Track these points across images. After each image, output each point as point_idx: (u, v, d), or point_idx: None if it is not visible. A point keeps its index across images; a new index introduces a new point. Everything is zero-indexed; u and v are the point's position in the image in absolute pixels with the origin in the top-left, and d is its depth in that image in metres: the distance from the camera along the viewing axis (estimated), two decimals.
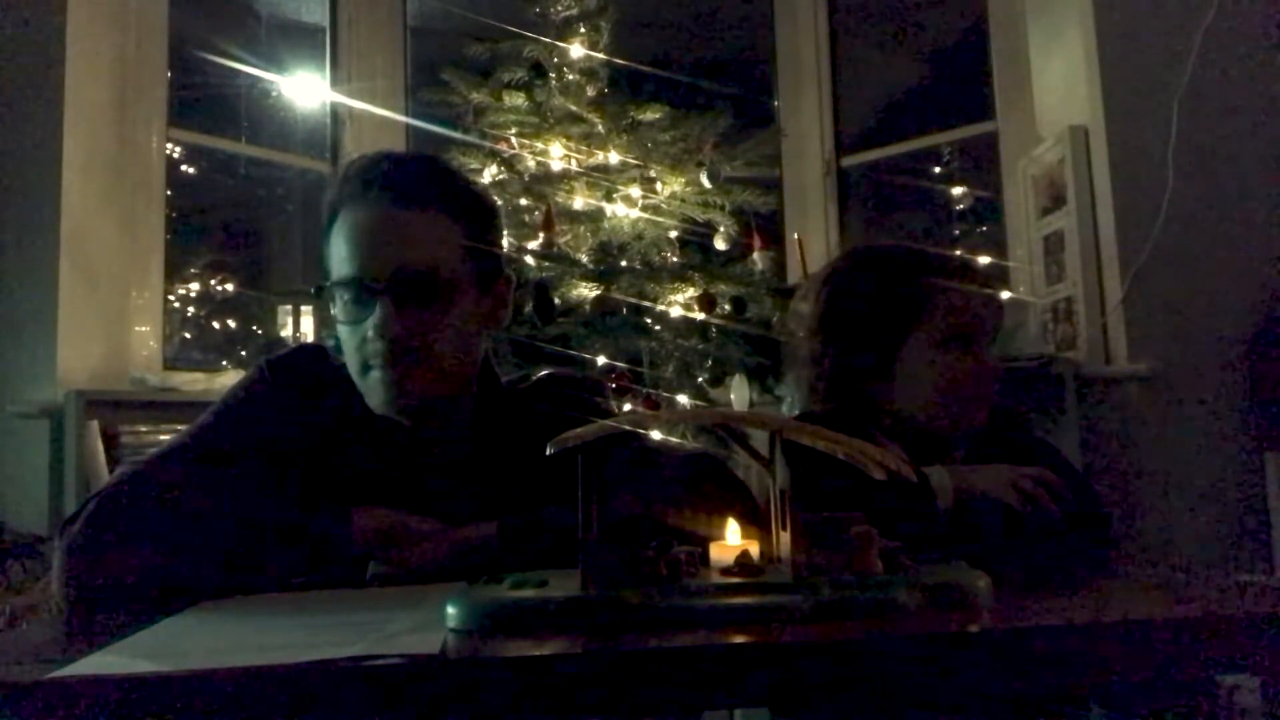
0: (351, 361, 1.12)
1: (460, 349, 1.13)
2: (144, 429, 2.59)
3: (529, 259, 2.44)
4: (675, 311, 2.45)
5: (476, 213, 1.16)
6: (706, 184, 2.58)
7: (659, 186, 2.61)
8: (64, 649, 0.79)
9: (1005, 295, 2.92)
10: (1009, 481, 1.18)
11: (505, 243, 1.27)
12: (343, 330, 1.12)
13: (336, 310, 1.12)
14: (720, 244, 2.67)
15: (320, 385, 1.17)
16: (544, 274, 2.43)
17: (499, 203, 1.31)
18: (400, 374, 1.08)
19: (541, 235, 2.47)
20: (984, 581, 0.78)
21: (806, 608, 0.73)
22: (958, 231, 3.68)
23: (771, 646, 0.68)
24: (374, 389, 1.10)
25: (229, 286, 3.53)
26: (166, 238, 3.04)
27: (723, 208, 2.64)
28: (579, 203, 2.57)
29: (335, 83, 3.52)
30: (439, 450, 1.17)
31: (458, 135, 2.67)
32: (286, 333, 3.38)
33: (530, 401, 1.22)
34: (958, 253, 3.18)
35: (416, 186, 1.11)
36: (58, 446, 2.52)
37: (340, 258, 1.10)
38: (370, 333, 1.07)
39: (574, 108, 2.63)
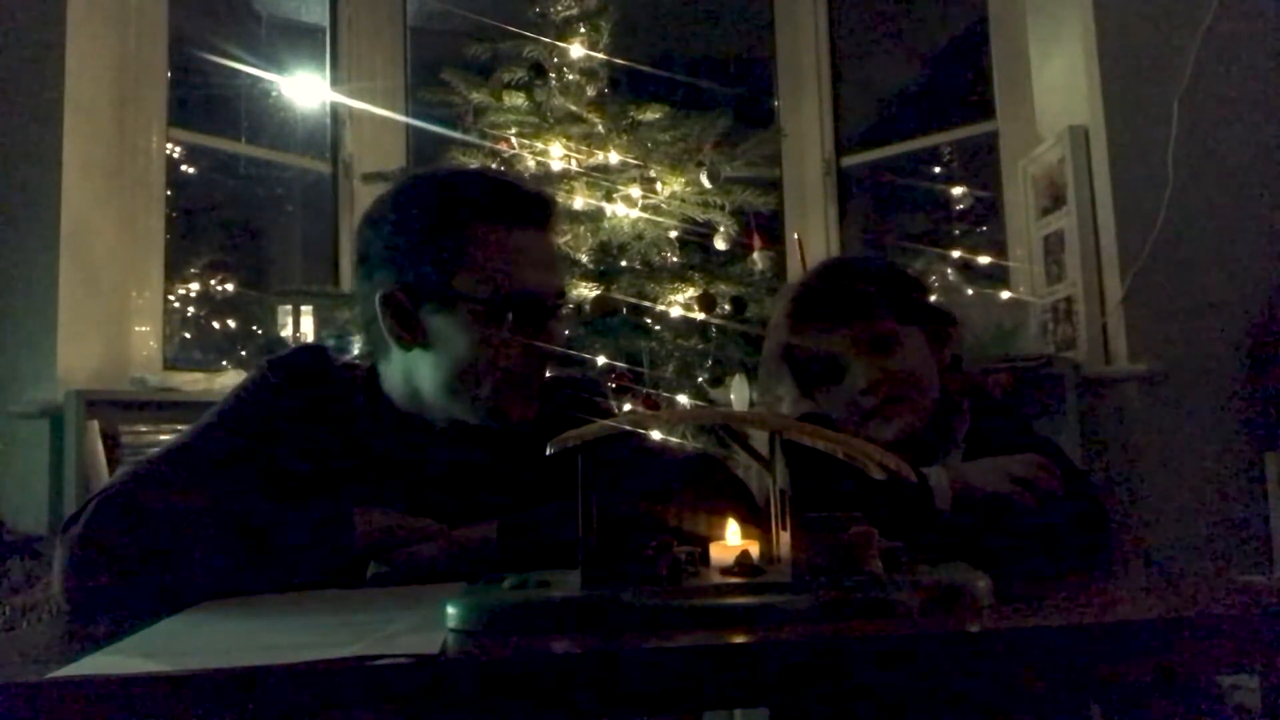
0: (454, 365, 1.12)
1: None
2: (144, 429, 2.59)
3: None
4: (675, 311, 2.45)
5: None
6: (706, 184, 2.58)
7: (659, 186, 2.61)
8: (64, 649, 0.79)
9: (1005, 295, 2.95)
10: (1004, 472, 1.18)
11: None
12: (459, 334, 1.11)
13: (487, 319, 1.11)
14: (720, 244, 2.67)
15: (322, 386, 1.17)
16: None
17: None
18: (529, 389, 1.15)
19: None
20: (984, 581, 0.78)
21: (806, 608, 0.74)
22: (958, 231, 3.68)
23: (771, 646, 0.68)
24: (511, 399, 1.14)
25: (229, 286, 3.53)
26: (166, 238, 3.04)
27: (723, 208, 2.64)
28: (579, 203, 2.56)
29: (335, 83, 3.52)
30: (440, 451, 1.17)
31: (458, 135, 2.67)
32: (286, 333, 3.38)
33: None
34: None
35: (550, 211, 1.20)
36: (58, 446, 2.52)
37: (508, 271, 1.12)
38: (539, 347, 1.13)
39: (574, 108, 2.63)
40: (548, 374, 1.27)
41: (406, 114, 3.50)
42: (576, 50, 2.63)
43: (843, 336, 1.29)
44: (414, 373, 1.15)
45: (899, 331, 1.29)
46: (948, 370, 1.34)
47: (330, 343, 1.22)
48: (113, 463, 2.48)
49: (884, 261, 1.44)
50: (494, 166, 2.64)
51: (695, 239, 2.67)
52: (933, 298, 1.40)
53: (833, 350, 1.29)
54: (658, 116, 2.60)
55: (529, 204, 1.16)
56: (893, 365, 1.27)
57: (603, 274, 2.47)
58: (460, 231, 1.12)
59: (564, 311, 1.22)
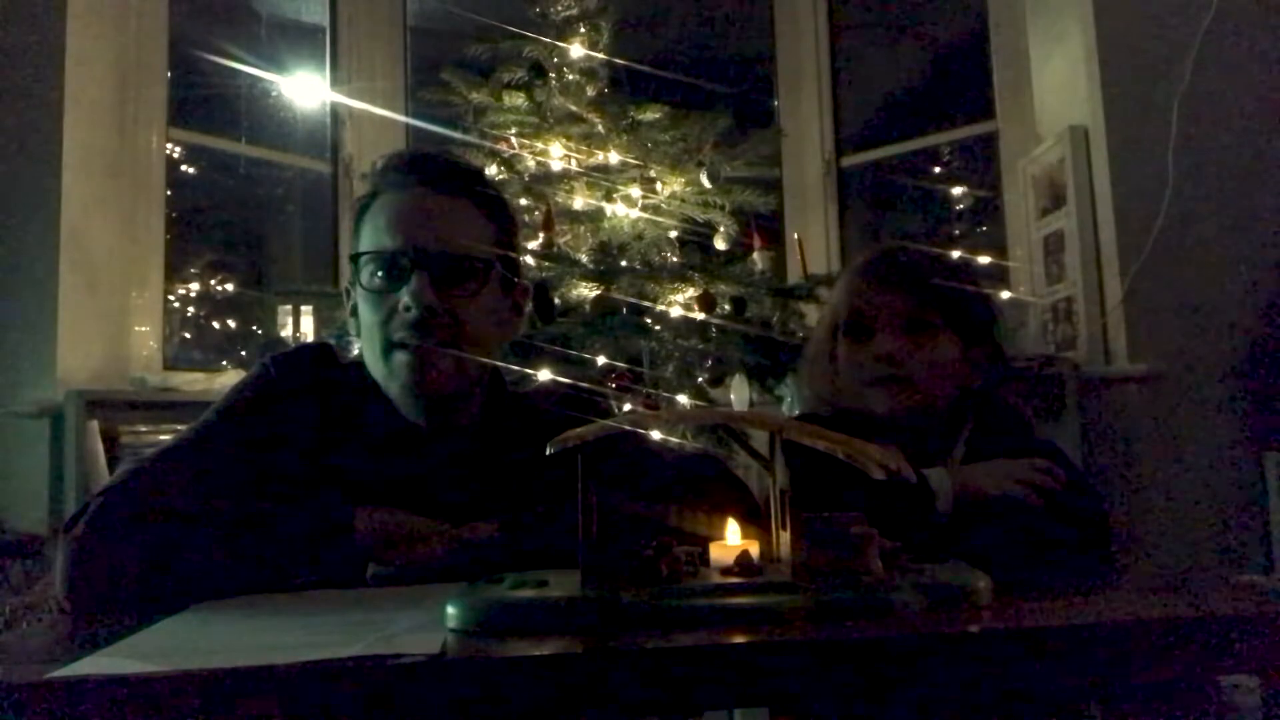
0: (374, 343, 1.13)
1: (481, 339, 1.15)
2: (144, 429, 2.59)
3: (529, 259, 2.44)
4: (675, 311, 2.45)
5: (504, 217, 1.21)
6: (706, 184, 2.58)
7: (659, 186, 2.61)
8: (64, 649, 0.79)
9: (1006, 294, 2.95)
10: (1008, 475, 1.19)
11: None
12: (367, 309, 1.13)
13: (365, 282, 1.13)
14: (720, 244, 2.67)
15: (326, 383, 1.17)
16: (544, 274, 2.43)
17: None
18: (427, 351, 1.10)
19: (541, 235, 2.47)
20: (984, 581, 0.78)
21: (806, 608, 0.73)
22: (958, 231, 3.68)
23: (771, 646, 0.68)
24: (398, 370, 1.11)
25: (229, 286, 3.53)
26: (166, 238, 3.04)
27: (723, 208, 2.64)
28: (579, 203, 2.56)
29: (335, 83, 3.52)
30: (442, 451, 1.17)
31: (458, 135, 2.67)
32: (286, 333, 3.38)
33: (533, 405, 1.23)
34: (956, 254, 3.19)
35: (456, 179, 1.17)
36: (58, 446, 2.52)
37: (377, 231, 1.13)
38: (405, 301, 1.09)
39: (574, 108, 2.63)
40: (548, 379, 1.27)
41: (406, 114, 3.50)
42: (576, 50, 2.63)
43: (889, 303, 1.31)
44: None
45: (940, 329, 1.30)
46: (976, 391, 1.34)
47: (333, 341, 1.21)
48: (113, 463, 2.48)
49: (967, 270, 1.44)
50: (493, 166, 2.64)
51: (695, 239, 2.67)
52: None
53: (874, 308, 1.31)
54: (658, 116, 2.60)
55: (414, 166, 1.16)
56: (918, 352, 1.29)
57: (603, 274, 2.46)
58: (368, 203, 1.17)
59: (434, 270, 1.10)
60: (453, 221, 1.13)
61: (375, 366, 1.14)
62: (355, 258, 1.15)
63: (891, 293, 1.31)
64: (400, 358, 1.11)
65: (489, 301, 1.15)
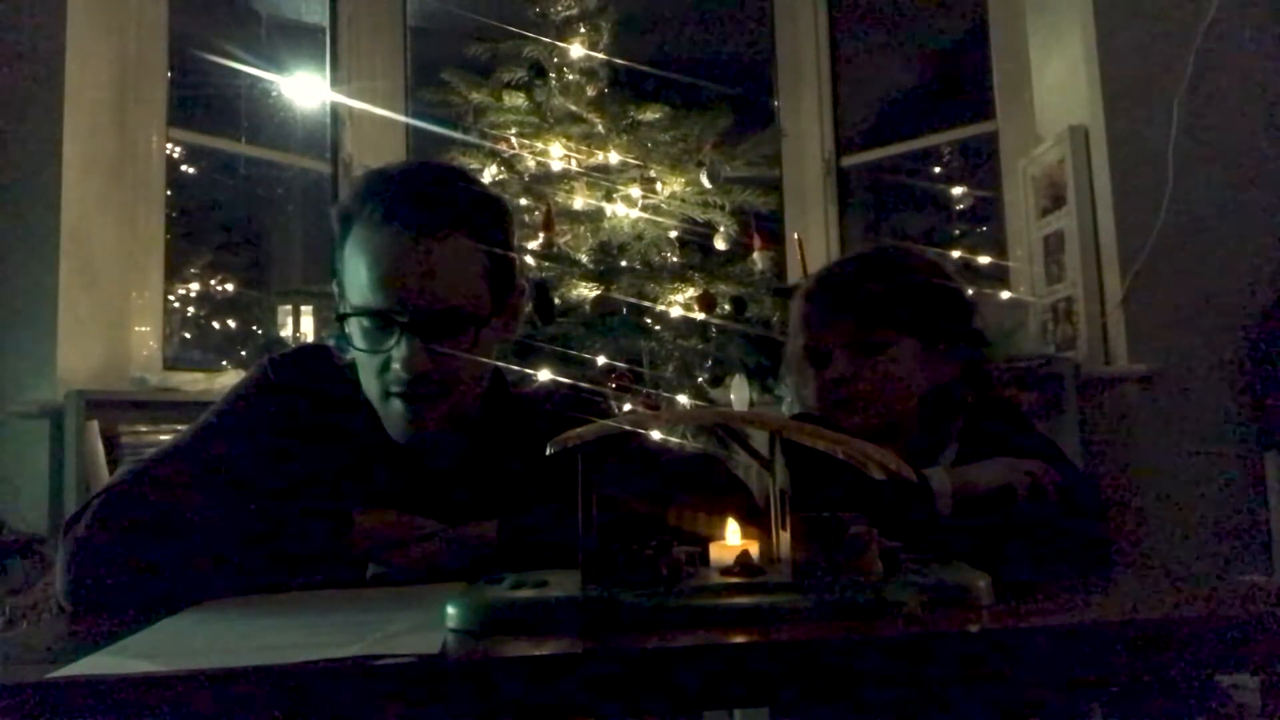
0: (370, 385, 1.12)
1: (478, 373, 1.14)
2: (144, 429, 2.59)
3: (529, 259, 2.44)
4: (675, 311, 2.45)
5: (495, 227, 1.14)
6: (706, 184, 2.58)
7: (659, 186, 2.61)
8: (64, 649, 0.79)
9: (1005, 295, 2.96)
10: (1009, 468, 1.19)
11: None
12: (360, 355, 1.12)
13: (355, 336, 1.11)
14: (720, 244, 2.67)
15: (323, 385, 1.17)
16: (544, 274, 2.43)
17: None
18: (421, 407, 1.09)
19: (541, 235, 2.47)
20: (984, 581, 0.78)
21: (806, 608, 0.73)
22: (958, 231, 3.69)
23: (771, 646, 0.68)
24: (394, 419, 1.11)
25: (229, 286, 3.54)
26: (166, 238, 3.04)
27: (723, 208, 2.64)
28: (579, 203, 2.57)
29: (335, 83, 3.52)
30: (442, 451, 1.17)
31: (458, 135, 2.67)
32: (286, 333, 3.38)
33: (533, 405, 1.22)
34: (952, 255, 3.18)
35: (439, 211, 1.08)
36: (58, 446, 2.52)
37: (361, 285, 1.08)
38: (395, 365, 1.07)
39: (574, 108, 2.63)
40: (548, 379, 1.27)
41: (406, 114, 3.50)
42: (576, 50, 2.64)
43: (836, 328, 1.31)
44: None
45: (890, 342, 1.30)
46: (957, 382, 1.34)
47: (331, 342, 1.21)
48: (113, 463, 2.48)
49: (919, 265, 1.42)
50: (494, 166, 2.64)
51: (695, 239, 2.68)
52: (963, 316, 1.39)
53: (823, 337, 1.32)
54: (658, 116, 2.60)
55: (395, 200, 1.07)
56: (872, 368, 1.30)
57: (603, 274, 2.47)
58: (345, 234, 1.11)
59: (420, 323, 1.06)
60: (439, 271, 1.06)
61: (375, 404, 1.13)
62: (341, 317, 1.12)
63: (836, 318, 1.31)
64: (396, 406, 1.10)
65: (484, 334, 1.12)
